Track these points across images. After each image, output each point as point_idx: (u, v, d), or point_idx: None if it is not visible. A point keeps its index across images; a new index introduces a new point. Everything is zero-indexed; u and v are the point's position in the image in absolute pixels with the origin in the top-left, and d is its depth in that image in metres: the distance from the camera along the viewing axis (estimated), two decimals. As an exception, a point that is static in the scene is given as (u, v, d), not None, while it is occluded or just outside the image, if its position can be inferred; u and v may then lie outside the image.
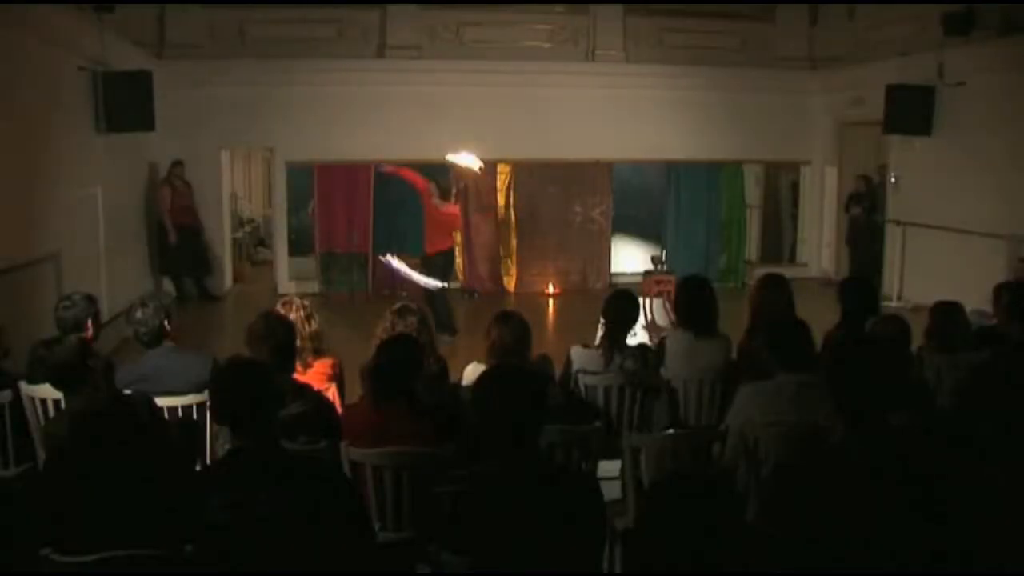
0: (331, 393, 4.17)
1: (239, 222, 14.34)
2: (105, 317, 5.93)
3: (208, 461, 3.83)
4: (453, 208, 9.13)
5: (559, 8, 12.02)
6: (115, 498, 2.45)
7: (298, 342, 4.09)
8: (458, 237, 11.73)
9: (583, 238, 12.09)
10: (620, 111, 11.61)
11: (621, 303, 4.54)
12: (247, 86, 10.85)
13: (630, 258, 12.61)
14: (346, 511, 2.59)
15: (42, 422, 3.85)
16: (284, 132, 11.09)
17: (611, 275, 12.17)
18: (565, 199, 12.00)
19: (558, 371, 4.55)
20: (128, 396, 3.57)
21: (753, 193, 13.37)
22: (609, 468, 3.99)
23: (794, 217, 13.46)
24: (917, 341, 4.55)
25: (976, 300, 5.66)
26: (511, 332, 3.89)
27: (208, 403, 3.32)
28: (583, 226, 12.09)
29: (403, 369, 3.49)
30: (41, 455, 3.80)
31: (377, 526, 3.26)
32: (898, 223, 10.61)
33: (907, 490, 2.31)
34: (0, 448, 3.93)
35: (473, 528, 2.44)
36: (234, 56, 10.91)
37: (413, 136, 11.12)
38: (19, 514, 2.92)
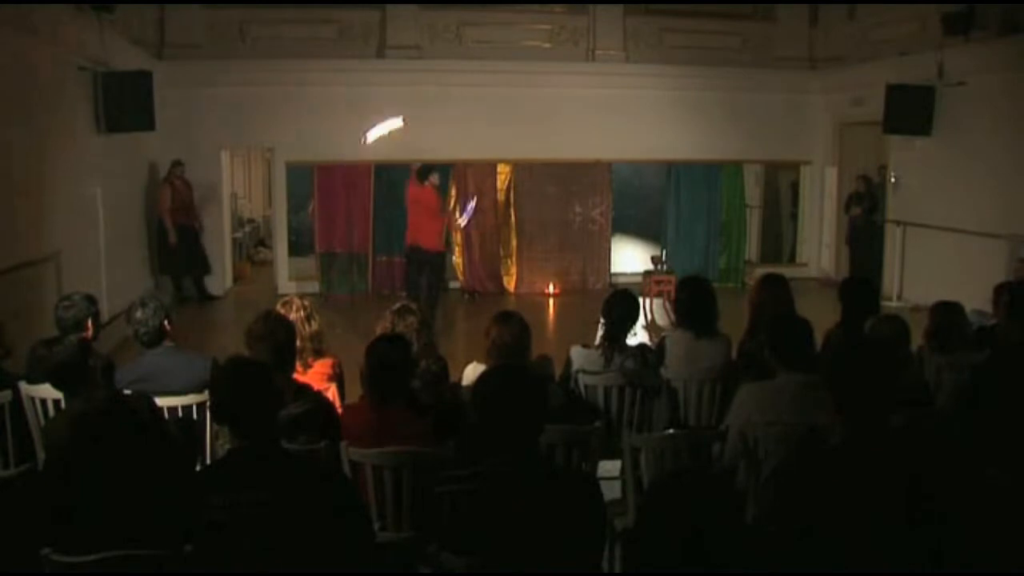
0: (331, 393, 4.17)
1: (239, 222, 14.35)
2: (105, 317, 5.94)
3: (208, 461, 3.83)
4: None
5: (559, 8, 12.01)
6: (115, 498, 2.45)
7: (298, 342, 4.08)
8: (458, 237, 11.76)
9: (583, 238, 12.09)
10: (620, 111, 11.61)
11: (621, 303, 4.54)
12: (247, 86, 10.85)
13: (630, 258, 12.61)
14: (346, 511, 2.59)
15: (42, 422, 3.85)
16: (284, 132, 11.09)
17: (611, 275, 12.17)
18: (565, 199, 12.00)
19: (558, 371, 4.55)
20: (128, 396, 3.58)
21: (753, 193, 13.38)
22: (609, 468, 3.99)
23: (794, 217, 13.46)
24: (917, 341, 4.56)
25: (976, 300, 5.67)
26: (511, 332, 3.89)
27: (208, 403, 3.32)
28: (583, 226, 12.09)
29: (394, 370, 3.49)
30: (41, 455, 3.80)
31: (377, 526, 3.26)
32: (898, 223, 10.61)
33: (907, 490, 2.31)
34: (0, 448, 3.93)
35: (473, 528, 2.44)
36: (234, 56, 10.92)
37: (413, 136, 11.13)
38: (19, 514, 2.92)
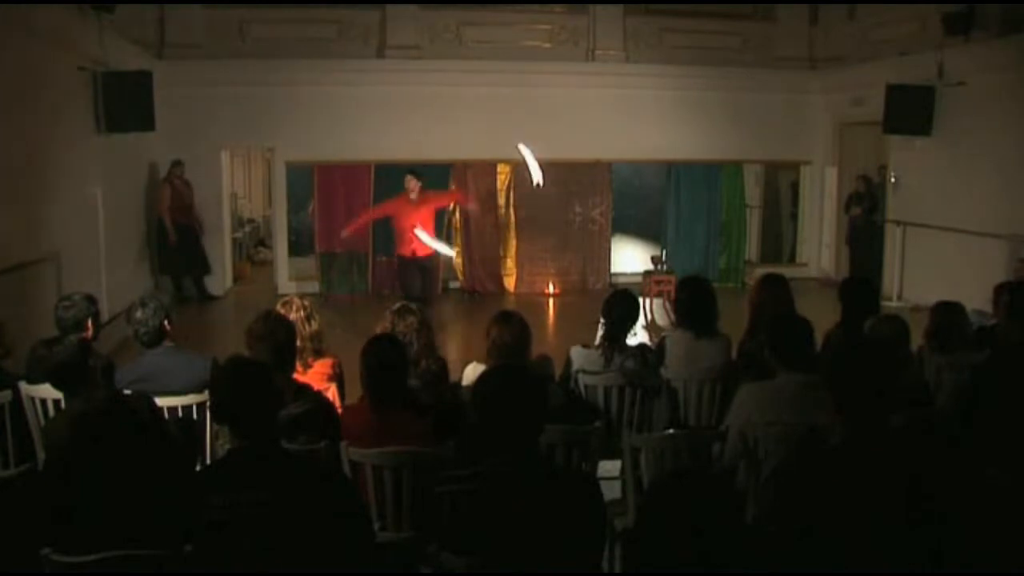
0: (331, 393, 4.17)
1: (239, 222, 14.35)
2: (105, 317, 5.94)
3: (208, 461, 3.83)
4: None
5: (559, 8, 12.01)
6: (115, 498, 2.45)
7: (298, 342, 4.08)
8: (458, 237, 11.76)
9: (583, 238, 12.09)
10: (620, 111, 11.62)
11: (621, 303, 4.54)
12: (247, 86, 10.85)
13: (630, 258, 12.61)
14: (346, 511, 2.59)
15: (42, 422, 3.85)
16: (284, 132, 11.09)
17: (611, 275, 12.17)
18: (565, 199, 12.00)
19: (558, 371, 4.55)
20: (128, 396, 3.58)
21: (753, 193, 13.38)
22: (609, 468, 3.99)
23: (794, 217, 13.46)
24: (917, 341, 4.56)
25: (976, 300, 5.66)
26: (511, 332, 3.89)
27: (208, 403, 3.32)
28: (583, 226, 12.08)
29: (392, 370, 3.50)
30: (41, 455, 3.80)
31: (377, 526, 3.26)
32: (898, 223, 10.61)
33: (907, 490, 2.31)
34: (0, 448, 3.93)
35: (473, 528, 2.44)
36: (234, 56, 10.91)
37: (413, 136, 11.14)
38: (19, 514, 2.93)
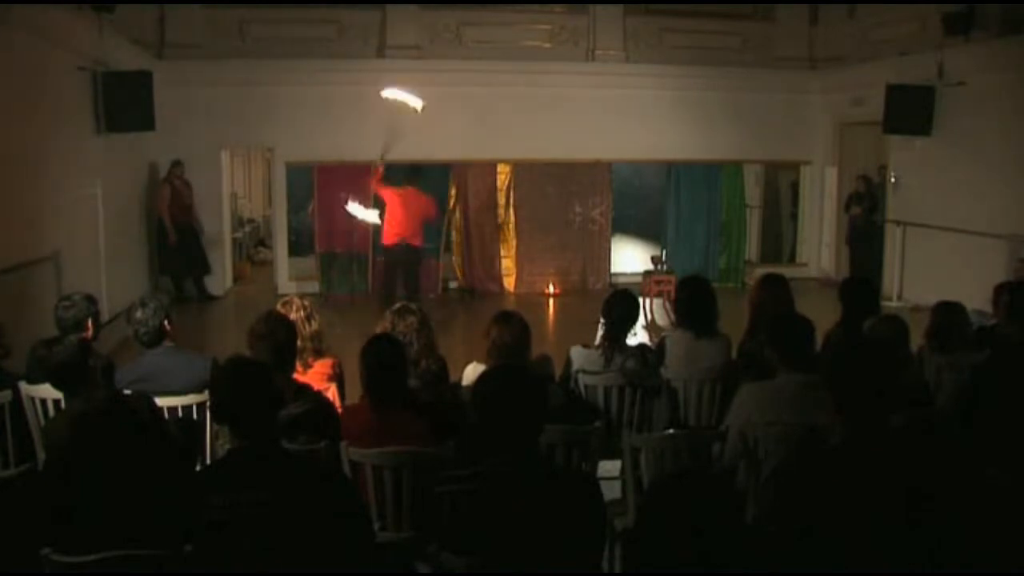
0: (331, 393, 4.17)
1: (239, 222, 14.35)
2: (105, 317, 5.94)
3: (208, 461, 3.83)
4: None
5: (559, 8, 12.01)
6: (115, 498, 2.45)
7: (298, 342, 4.09)
8: (458, 237, 11.77)
9: (583, 238, 12.09)
10: (620, 111, 11.61)
11: (621, 303, 4.54)
12: (247, 86, 10.85)
13: (630, 258, 12.61)
14: (346, 511, 2.59)
15: (42, 422, 3.85)
16: (284, 132, 11.09)
17: (611, 275, 12.16)
18: (565, 199, 12.00)
19: (558, 371, 4.55)
20: (128, 396, 3.58)
21: (753, 193, 13.38)
22: (609, 468, 3.99)
23: (794, 217, 13.46)
24: (917, 341, 4.56)
25: (976, 300, 5.66)
26: (511, 332, 3.89)
27: (208, 403, 3.32)
28: (583, 226, 12.08)
29: (392, 369, 3.50)
30: (41, 455, 3.80)
31: (377, 526, 3.26)
32: (898, 223, 10.61)
33: (907, 490, 2.31)
34: (0, 448, 3.93)
35: (473, 528, 2.44)
36: (234, 56, 10.91)
37: (413, 136, 11.12)
38: (19, 514, 2.93)
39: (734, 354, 4.58)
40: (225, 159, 11.78)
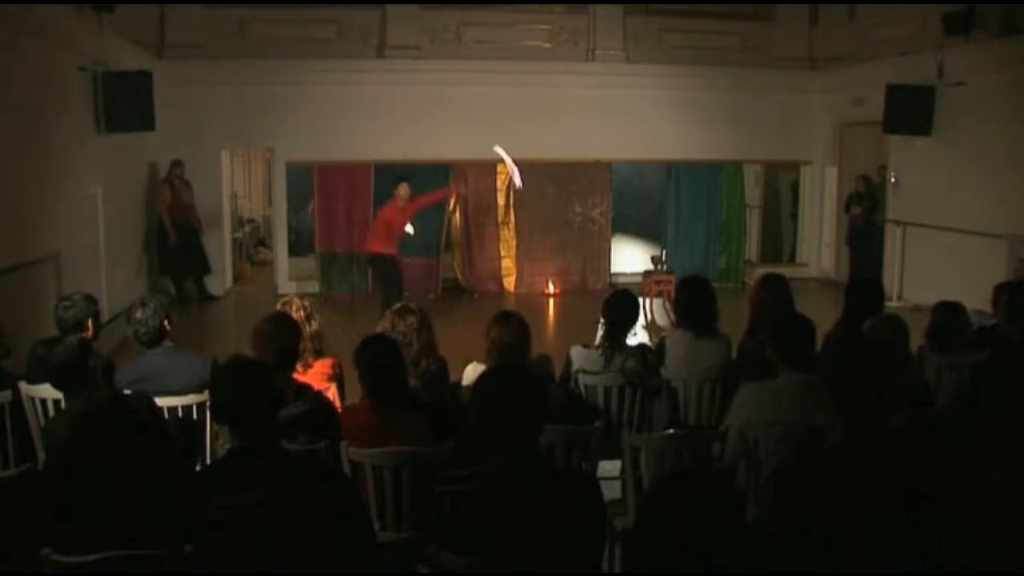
0: (331, 393, 4.17)
1: (239, 222, 14.35)
2: (105, 317, 5.94)
3: (208, 461, 3.83)
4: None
5: (559, 8, 12.02)
6: (115, 498, 2.45)
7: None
8: (458, 237, 11.76)
9: (583, 238, 12.09)
10: (620, 111, 11.62)
11: (621, 303, 4.54)
12: (247, 86, 10.85)
13: (630, 258, 12.61)
14: (346, 511, 2.59)
15: (42, 422, 3.85)
16: (284, 132, 11.09)
17: (611, 275, 12.17)
18: (565, 199, 12.01)
19: (558, 371, 4.55)
20: (128, 396, 3.58)
21: (753, 193, 13.38)
22: (609, 468, 3.99)
23: (794, 217, 13.46)
24: (917, 341, 4.56)
25: (976, 300, 5.66)
26: (511, 332, 3.89)
27: (208, 403, 3.32)
28: (583, 226, 12.09)
29: (390, 369, 3.49)
30: (41, 455, 3.80)
31: (377, 526, 3.26)
32: (898, 223, 10.61)
33: (907, 490, 2.31)
34: (0, 448, 3.93)
35: (473, 528, 2.44)
36: (234, 56, 10.91)
37: (413, 136, 11.15)
38: (19, 514, 2.92)
39: (734, 354, 4.58)
40: (225, 159, 11.78)
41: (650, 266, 10.30)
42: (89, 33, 8.19)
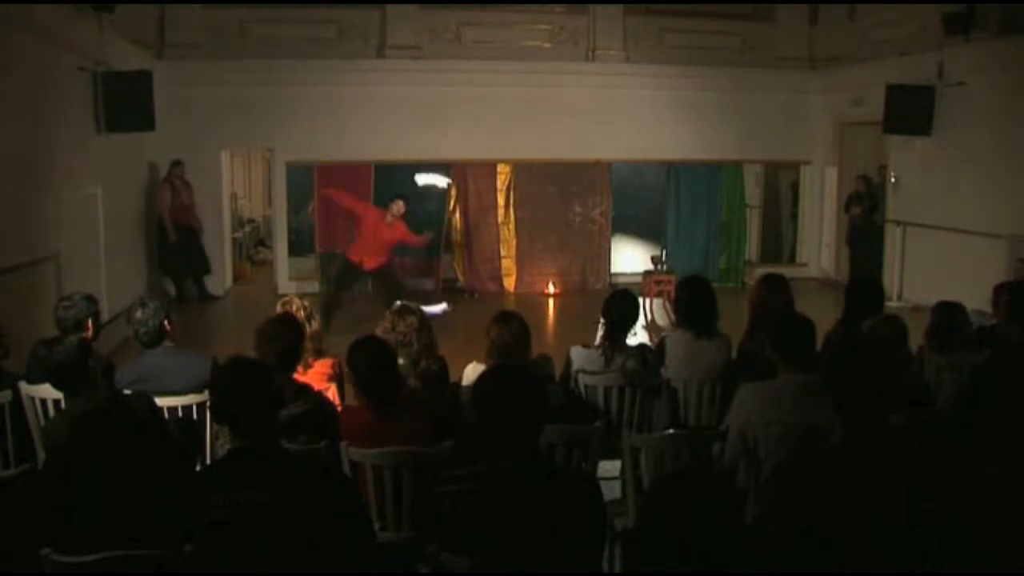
0: (331, 393, 4.17)
1: (239, 222, 14.35)
2: (105, 317, 5.94)
3: (208, 461, 3.83)
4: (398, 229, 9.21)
5: (559, 8, 12.01)
6: (115, 498, 2.45)
7: (298, 343, 4.09)
8: (458, 237, 11.76)
9: (583, 238, 12.09)
10: (620, 111, 11.62)
11: (621, 303, 4.54)
12: (247, 86, 10.85)
13: (630, 258, 12.61)
14: (346, 511, 2.59)
15: (42, 422, 3.85)
16: (284, 132, 11.09)
17: (611, 275, 12.17)
18: (565, 199, 12.00)
19: (558, 371, 4.55)
20: (128, 396, 3.58)
21: (753, 193, 13.38)
22: (609, 468, 3.99)
23: (794, 217, 13.46)
24: (917, 341, 4.56)
25: (976, 300, 5.67)
26: (511, 332, 3.90)
27: (208, 403, 3.32)
28: (583, 226, 12.08)
29: (387, 369, 3.49)
30: (41, 455, 3.80)
31: (377, 526, 3.26)
32: (898, 223, 10.61)
33: (907, 490, 2.31)
34: (0, 448, 3.93)
35: (473, 528, 2.44)
36: (234, 56, 10.91)
37: (413, 136, 11.15)
38: (19, 514, 2.92)
39: (734, 354, 4.58)
40: (225, 159, 11.78)
41: (650, 266, 10.30)
42: (89, 33, 8.19)
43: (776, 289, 4.68)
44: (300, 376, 4.02)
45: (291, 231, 12.08)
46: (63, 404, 3.62)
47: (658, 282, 9.71)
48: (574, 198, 12.03)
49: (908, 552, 2.25)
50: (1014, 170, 8.85)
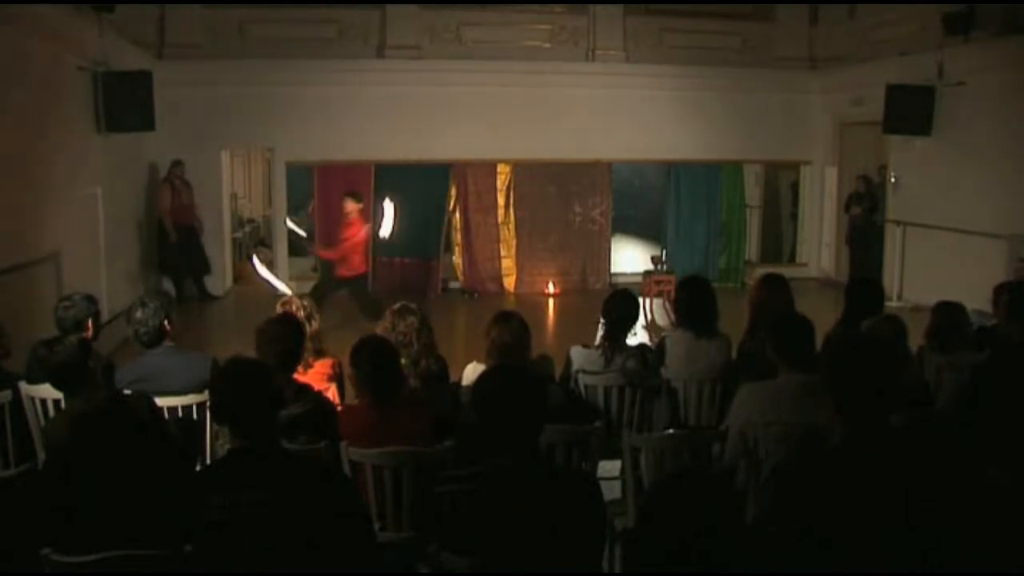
0: (331, 393, 4.17)
1: (239, 222, 14.34)
2: (105, 317, 5.94)
3: (208, 461, 3.83)
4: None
5: (559, 8, 12.01)
6: (115, 498, 2.45)
7: (298, 343, 4.09)
8: (458, 237, 11.76)
9: (583, 238, 12.09)
10: (620, 111, 11.62)
11: (621, 303, 4.55)
12: (247, 86, 10.85)
13: (630, 258, 12.61)
14: (346, 511, 2.59)
15: (42, 422, 3.85)
16: (284, 132, 11.09)
17: (611, 275, 12.16)
18: (565, 199, 12.00)
19: (558, 371, 4.55)
20: (128, 396, 3.58)
21: (753, 193, 13.38)
22: (609, 468, 3.99)
23: (794, 217, 13.46)
24: (917, 341, 4.56)
25: (976, 300, 5.66)
26: (511, 332, 3.90)
27: (208, 403, 3.32)
28: (583, 226, 12.08)
29: (387, 369, 3.49)
30: (41, 455, 3.81)
31: (377, 526, 3.26)
32: (898, 223, 10.61)
33: (907, 491, 2.31)
34: (0, 448, 3.93)
35: (473, 528, 2.44)
36: (234, 56, 10.91)
37: (413, 136, 11.15)
38: (19, 514, 2.93)
39: (734, 354, 4.58)
40: (225, 159, 11.77)
41: (650, 266, 10.30)
42: (89, 33, 8.18)
43: (776, 289, 4.68)
44: (300, 376, 4.02)
45: (291, 231, 12.07)
46: (63, 404, 3.62)
47: (658, 282, 9.71)
48: (574, 198, 12.03)
49: (908, 552, 2.25)
50: (1014, 170, 8.85)
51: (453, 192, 11.69)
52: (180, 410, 3.87)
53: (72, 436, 2.70)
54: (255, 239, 15.38)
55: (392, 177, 11.37)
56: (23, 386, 3.94)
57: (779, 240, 14.03)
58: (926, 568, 2.24)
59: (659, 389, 4.36)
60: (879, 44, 11.07)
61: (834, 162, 12.28)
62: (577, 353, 4.51)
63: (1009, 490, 2.50)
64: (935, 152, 10.05)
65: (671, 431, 3.94)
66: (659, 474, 3.38)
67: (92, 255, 8.26)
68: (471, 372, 4.17)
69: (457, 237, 11.77)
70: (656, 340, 5.34)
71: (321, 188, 11.41)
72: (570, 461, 3.50)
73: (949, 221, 9.63)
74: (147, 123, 8.97)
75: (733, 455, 3.39)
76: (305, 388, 3.75)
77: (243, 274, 12.87)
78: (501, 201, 11.86)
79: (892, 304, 9.68)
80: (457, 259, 11.81)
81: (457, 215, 11.75)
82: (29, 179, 6.86)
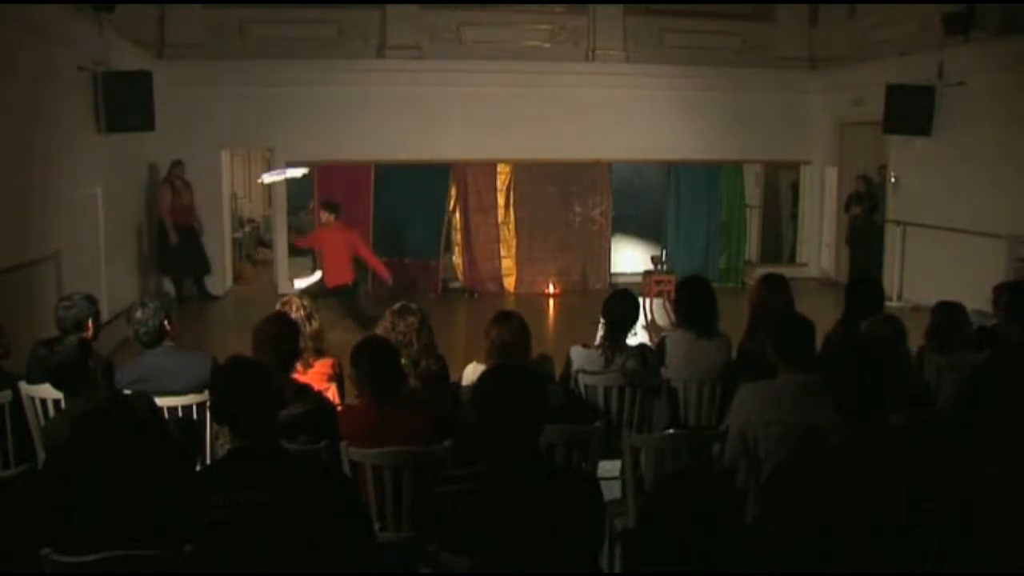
0: (331, 393, 4.17)
1: (239, 222, 14.34)
2: (105, 317, 5.94)
3: (208, 461, 3.83)
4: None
5: (559, 8, 12.01)
6: (115, 498, 2.45)
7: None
8: (458, 237, 11.76)
9: (583, 238, 12.09)
10: (620, 111, 11.62)
11: (621, 303, 4.54)
12: (247, 86, 10.85)
13: (630, 258, 12.60)
14: (346, 511, 2.59)
15: (42, 422, 3.85)
16: (284, 132, 11.08)
17: (611, 275, 12.16)
18: (565, 199, 12.00)
19: (558, 371, 4.55)
20: (128, 396, 3.58)
21: (753, 193, 13.37)
22: (609, 468, 3.99)
23: (794, 217, 13.46)
24: (917, 341, 4.56)
25: (976, 300, 5.66)
26: (511, 332, 3.90)
27: (208, 403, 3.32)
28: (583, 226, 12.08)
29: (388, 369, 3.49)
30: (41, 455, 3.81)
31: (377, 526, 3.26)
32: (898, 223, 10.61)
33: (907, 491, 2.31)
34: (0, 448, 3.93)
35: (473, 528, 2.44)
36: (234, 56, 10.91)
37: (413, 136, 11.15)
38: (19, 514, 2.93)
39: (734, 354, 4.58)
40: (225, 159, 11.78)
41: (650, 266, 10.29)
42: (89, 33, 8.19)
43: (776, 289, 4.68)
44: (300, 376, 4.03)
45: (291, 231, 12.08)
46: (63, 404, 3.62)
47: (658, 282, 9.71)
48: (574, 198, 12.03)
49: (908, 552, 2.25)
50: (1014, 170, 8.85)
51: (453, 192, 11.69)
52: (180, 410, 3.87)
53: (72, 436, 2.69)
54: (255, 239, 15.39)
55: (392, 177, 11.38)
56: (23, 386, 3.94)
57: (779, 240, 14.03)
58: (926, 568, 2.24)
59: (659, 389, 4.36)
60: (879, 44, 11.07)
61: (834, 162, 12.28)
62: (577, 353, 4.51)
63: (1009, 490, 2.50)
64: (935, 152, 10.05)
65: (671, 431, 3.94)
66: (659, 474, 3.38)
67: (92, 255, 8.26)
68: (471, 372, 4.17)
69: (457, 237, 11.77)
70: (656, 340, 5.34)
71: (321, 188, 11.41)
72: (570, 461, 3.50)
73: (949, 221, 9.63)
74: (147, 123, 8.97)
75: (733, 455, 3.39)
76: (305, 388, 3.75)
77: (243, 274, 12.88)
78: (501, 201, 11.86)
79: (892, 304, 9.68)
80: (457, 259, 11.81)
81: (457, 215, 11.75)
82: (29, 179, 6.86)
